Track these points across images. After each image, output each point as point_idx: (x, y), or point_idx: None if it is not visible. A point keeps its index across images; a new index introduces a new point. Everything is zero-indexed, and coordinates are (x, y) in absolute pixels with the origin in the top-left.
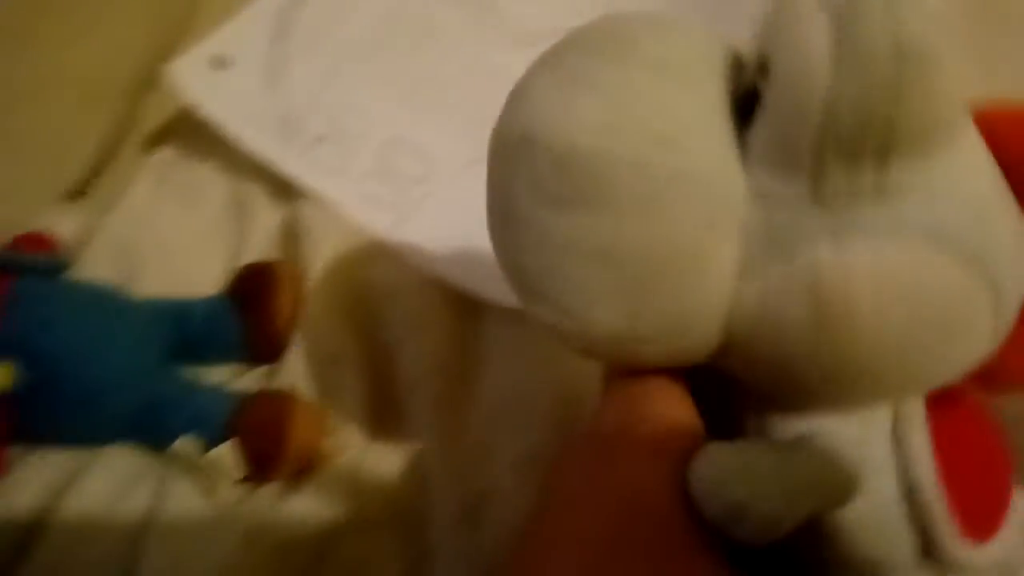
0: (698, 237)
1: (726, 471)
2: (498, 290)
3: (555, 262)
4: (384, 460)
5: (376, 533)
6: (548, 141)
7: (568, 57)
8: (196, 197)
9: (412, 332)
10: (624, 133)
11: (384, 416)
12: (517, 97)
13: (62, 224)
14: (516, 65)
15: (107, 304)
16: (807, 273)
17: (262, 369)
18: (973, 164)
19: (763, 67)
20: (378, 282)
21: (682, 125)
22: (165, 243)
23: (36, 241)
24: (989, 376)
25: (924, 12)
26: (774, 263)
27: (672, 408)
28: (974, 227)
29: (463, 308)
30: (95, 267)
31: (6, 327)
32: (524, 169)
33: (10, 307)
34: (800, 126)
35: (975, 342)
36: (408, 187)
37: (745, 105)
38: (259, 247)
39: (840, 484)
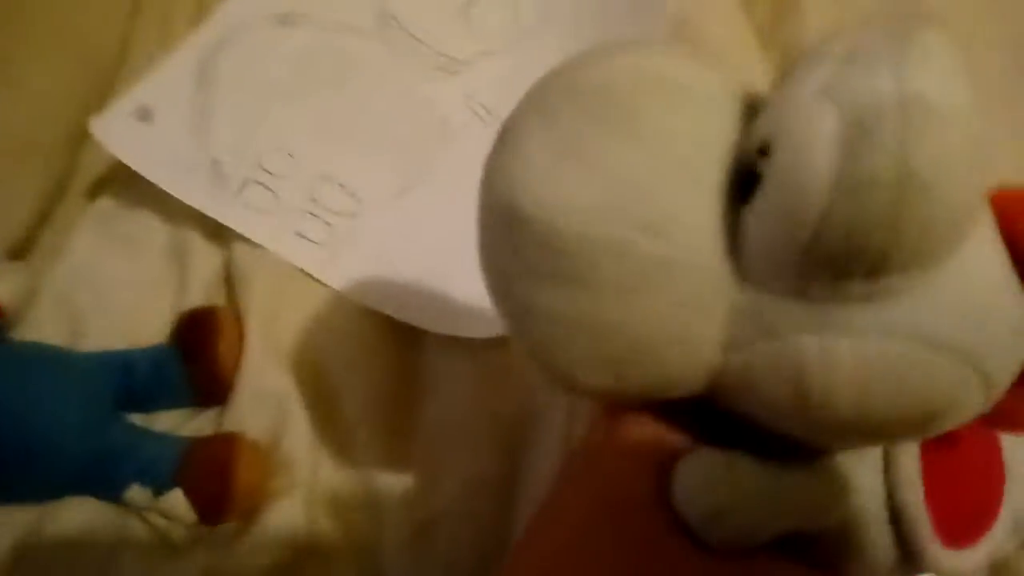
0: (680, 320)
1: (711, 476)
2: (433, 319)
3: (539, 325)
4: (335, 491)
5: (329, 566)
6: (532, 217)
7: (564, 115)
8: (137, 246)
9: (353, 365)
10: (611, 218)
11: (333, 449)
12: (507, 152)
13: (3, 284)
14: (440, 94)
15: (47, 361)
16: (790, 359)
17: (210, 413)
18: (977, 262)
19: (764, 150)
20: (316, 318)
21: (673, 212)
22: (108, 294)
23: None
24: (987, 419)
25: (938, 139)
26: (759, 341)
27: (658, 424)
28: (968, 328)
29: (402, 338)
30: (40, 325)
31: None
32: (508, 237)
33: None
34: (790, 234)
35: (962, 414)
36: (338, 223)
37: (745, 175)
38: (201, 291)
39: (825, 504)
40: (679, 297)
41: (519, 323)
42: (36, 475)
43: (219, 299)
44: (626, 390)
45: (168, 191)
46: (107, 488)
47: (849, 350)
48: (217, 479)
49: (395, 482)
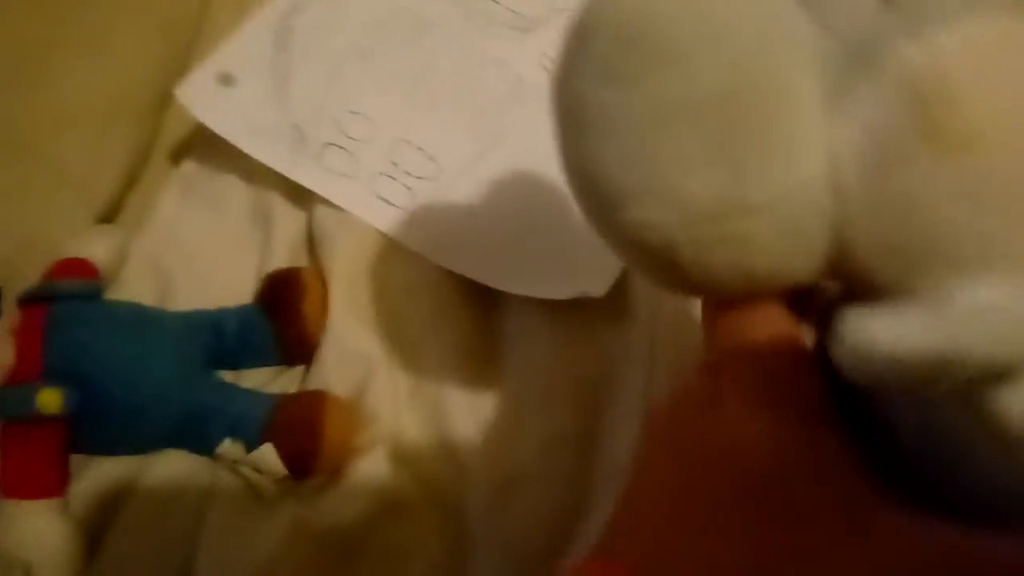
0: (776, 72)
1: (872, 314)
2: (512, 280)
3: (638, 140)
4: (418, 449)
5: (414, 519)
6: (606, 18)
7: None
8: (220, 208)
9: (434, 326)
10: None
11: (415, 406)
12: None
13: (97, 246)
14: (514, 54)
15: (143, 320)
16: (898, 79)
17: (296, 371)
18: None
19: None
20: (397, 280)
21: None
22: (195, 256)
23: (74, 267)
24: None
25: None
26: (860, 84)
27: (780, 337)
28: None
29: (482, 299)
30: (132, 286)
31: (48, 354)
32: (587, 56)
33: (49, 334)
34: None
35: None
36: (418, 186)
37: None
38: (284, 252)
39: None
40: (766, 50)
41: (614, 159)
42: (135, 430)
43: (302, 260)
44: (750, 206)
45: (250, 155)
46: (200, 442)
47: (947, 38)
48: (306, 434)
49: (476, 439)
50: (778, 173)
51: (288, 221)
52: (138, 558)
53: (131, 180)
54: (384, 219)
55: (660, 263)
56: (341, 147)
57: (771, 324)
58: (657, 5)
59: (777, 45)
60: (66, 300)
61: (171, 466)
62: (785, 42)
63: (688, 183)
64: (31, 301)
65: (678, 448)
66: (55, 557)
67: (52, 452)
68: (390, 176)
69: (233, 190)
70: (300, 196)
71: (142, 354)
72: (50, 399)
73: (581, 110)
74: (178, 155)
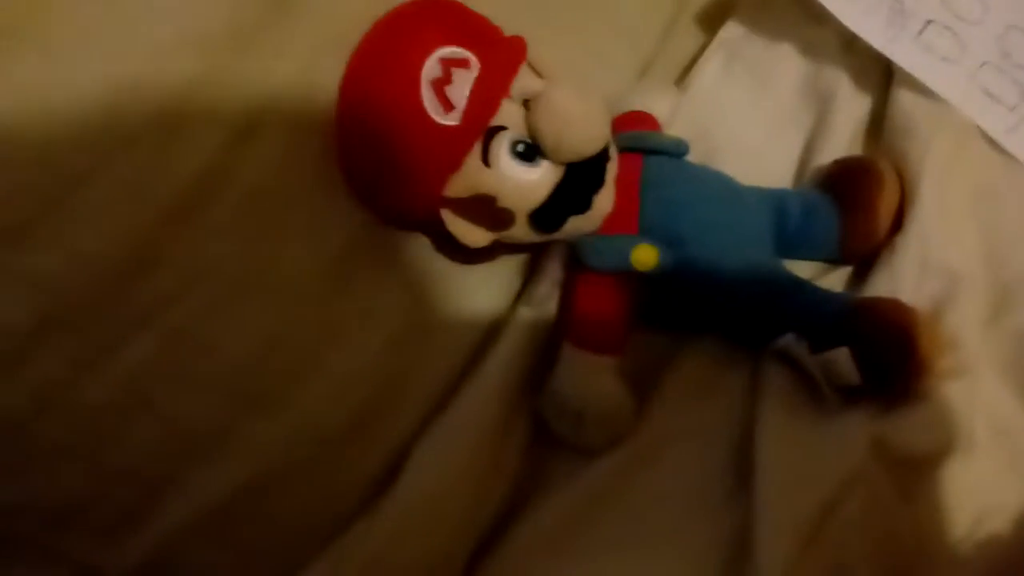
0: None
1: None
2: None
3: None
4: (993, 391)
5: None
6: None
7: None
8: (768, 80)
9: None
10: None
11: (995, 340)
12: None
13: (660, 102)
14: None
15: (730, 190)
16: None
17: (841, 272)
18: None
19: None
20: (995, 192)
21: None
22: (736, 128)
23: (642, 120)
24: None
25: None
26: None
27: None
28: None
29: None
30: None
31: (644, 209)
32: None
33: (643, 190)
34: None
35: None
36: None
37: None
38: (839, 138)
39: None
40: None
41: None
42: (710, 301)
43: (859, 149)
44: None
45: (843, 23)
46: (766, 328)
47: None
48: (893, 346)
49: None
50: None
51: (849, 104)
52: (684, 430)
53: (671, 37)
54: (988, 117)
55: None
56: (946, 27)
57: None
58: None
59: None
60: (656, 155)
61: (711, 350)
62: None
63: None
64: (625, 151)
65: None
66: (605, 413)
67: (624, 310)
68: (1000, 68)
69: (784, 61)
70: (867, 77)
71: (734, 224)
72: (646, 256)
73: None
74: (720, 15)
